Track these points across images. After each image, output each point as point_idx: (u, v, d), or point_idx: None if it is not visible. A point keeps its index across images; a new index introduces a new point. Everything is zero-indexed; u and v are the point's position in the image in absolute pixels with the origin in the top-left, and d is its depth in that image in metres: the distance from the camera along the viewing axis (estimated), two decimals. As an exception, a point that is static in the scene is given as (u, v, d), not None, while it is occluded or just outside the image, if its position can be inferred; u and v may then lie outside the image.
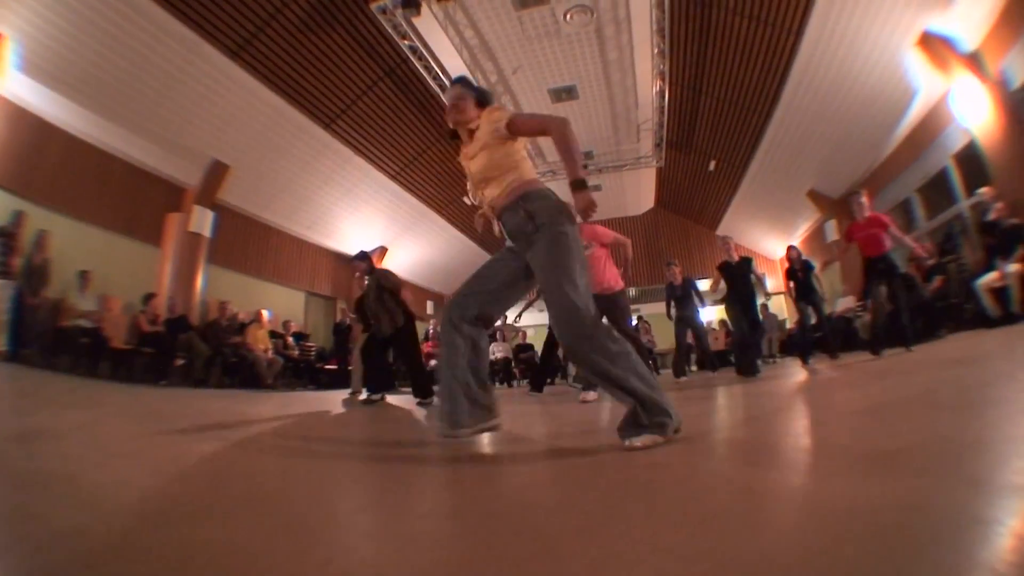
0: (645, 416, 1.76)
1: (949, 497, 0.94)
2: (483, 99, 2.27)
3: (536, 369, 6.82)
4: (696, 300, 6.84)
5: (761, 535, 0.88)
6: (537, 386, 6.03)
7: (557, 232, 1.92)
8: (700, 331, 7.06)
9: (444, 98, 2.33)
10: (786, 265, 7.01)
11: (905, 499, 0.95)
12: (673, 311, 6.95)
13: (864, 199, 5.61)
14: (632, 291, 17.60)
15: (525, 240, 1.99)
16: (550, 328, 6.12)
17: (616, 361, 1.80)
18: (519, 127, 2.09)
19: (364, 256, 5.78)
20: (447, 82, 9.45)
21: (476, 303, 2.06)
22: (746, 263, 6.15)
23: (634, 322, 12.52)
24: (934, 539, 0.76)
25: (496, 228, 2.16)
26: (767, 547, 0.82)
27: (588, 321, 1.83)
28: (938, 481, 1.07)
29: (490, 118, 2.12)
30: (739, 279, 6.06)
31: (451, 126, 2.28)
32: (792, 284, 6.76)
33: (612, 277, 4.81)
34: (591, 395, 4.48)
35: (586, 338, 1.83)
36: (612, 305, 4.67)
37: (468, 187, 2.29)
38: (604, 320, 4.40)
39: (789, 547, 0.82)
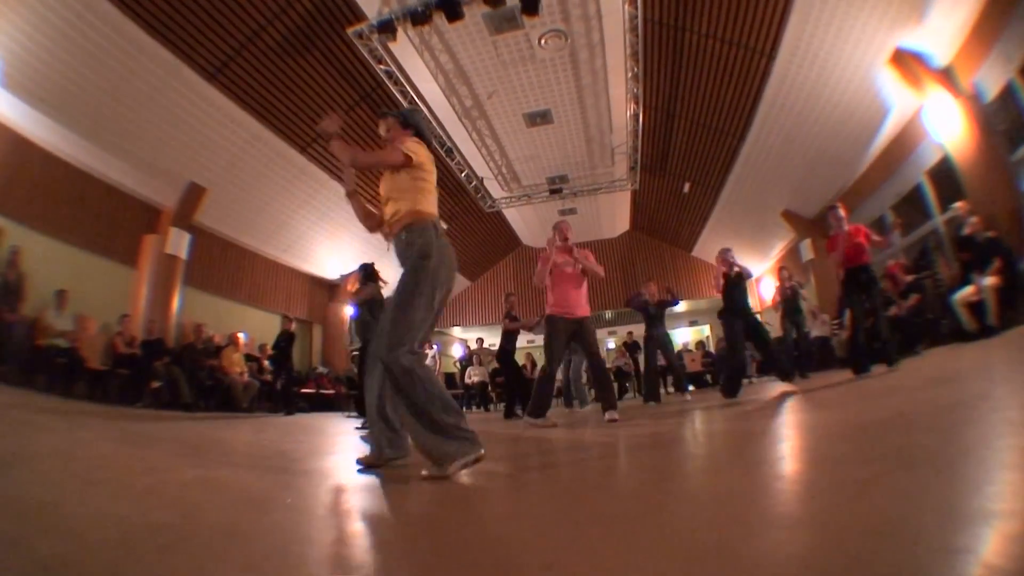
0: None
1: (921, 524, 0.95)
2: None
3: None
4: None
5: (736, 566, 0.86)
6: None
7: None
8: (670, 351, 7.47)
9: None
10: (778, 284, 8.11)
11: (878, 526, 0.95)
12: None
13: (842, 212, 5.58)
14: (608, 313, 17.69)
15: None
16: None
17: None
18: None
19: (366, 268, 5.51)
20: (422, 107, 9.48)
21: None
22: (740, 278, 5.96)
23: (612, 344, 12.45)
24: (907, 568, 0.76)
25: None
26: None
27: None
28: (910, 507, 1.06)
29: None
30: (735, 293, 5.86)
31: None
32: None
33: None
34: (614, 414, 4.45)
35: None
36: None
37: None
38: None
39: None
